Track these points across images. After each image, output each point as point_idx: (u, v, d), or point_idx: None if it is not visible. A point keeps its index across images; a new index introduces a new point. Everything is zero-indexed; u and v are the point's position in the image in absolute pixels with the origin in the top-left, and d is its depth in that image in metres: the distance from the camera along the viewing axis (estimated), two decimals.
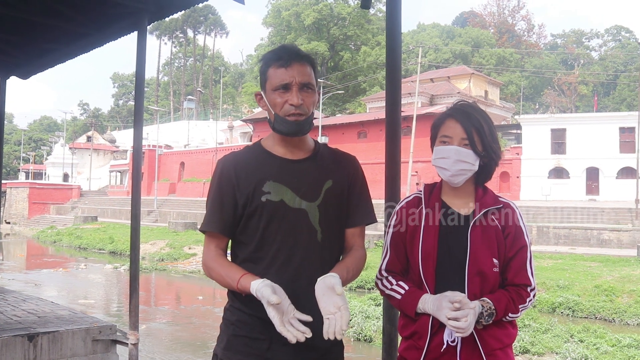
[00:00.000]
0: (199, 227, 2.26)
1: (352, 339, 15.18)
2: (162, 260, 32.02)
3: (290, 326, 1.94)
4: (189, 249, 32.86)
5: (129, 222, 6.25)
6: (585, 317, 17.90)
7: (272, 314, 1.95)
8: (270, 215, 2.15)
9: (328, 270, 2.13)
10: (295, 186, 2.18)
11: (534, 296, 2.23)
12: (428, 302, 2.14)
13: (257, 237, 2.17)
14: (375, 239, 26.99)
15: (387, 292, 2.29)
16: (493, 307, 2.11)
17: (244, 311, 2.17)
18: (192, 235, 35.42)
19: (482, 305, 2.10)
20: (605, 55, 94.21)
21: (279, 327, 1.93)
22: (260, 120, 51.38)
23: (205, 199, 2.31)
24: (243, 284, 2.06)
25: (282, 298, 1.97)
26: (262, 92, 2.23)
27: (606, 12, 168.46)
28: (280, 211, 2.16)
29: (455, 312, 2.03)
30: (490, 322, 2.12)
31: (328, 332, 1.95)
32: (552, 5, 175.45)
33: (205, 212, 2.27)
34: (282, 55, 2.17)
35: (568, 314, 18.29)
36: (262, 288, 1.97)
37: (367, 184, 2.37)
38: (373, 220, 2.33)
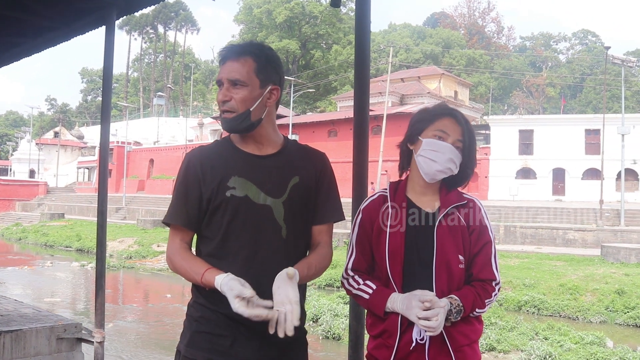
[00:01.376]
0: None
1: (320, 337, 15.20)
2: (130, 258, 31.70)
3: (256, 307, 1.94)
4: (158, 246, 32.57)
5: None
6: (550, 315, 18.17)
7: (236, 305, 1.93)
8: (235, 210, 2.13)
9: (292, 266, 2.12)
10: (261, 182, 2.16)
11: (498, 290, 2.26)
12: (397, 302, 2.14)
13: (220, 233, 2.15)
14: (344, 238, 27.06)
15: (354, 291, 2.28)
16: (461, 304, 2.13)
17: (207, 307, 2.14)
18: (161, 232, 35.10)
19: (451, 303, 2.11)
20: (572, 59, 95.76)
21: (247, 312, 1.92)
22: None
23: None
24: (207, 278, 2.04)
25: (253, 291, 1.96)
26: None
27: (574, 16, 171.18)
28: (244, 207, 2.13)
29: (426, 311, 2.05)
30: (459, 318, 2.14)
31: (277, 327, 1.95)
32: (521, 7, 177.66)
33: (169, 205, 2.24)
34: (222, 53, 2.19)
35: (534, 312, 18.55)
36: (229, 282, 1.96)
37: (335, 182, 2.35)
38: (341, 217, 2.31)
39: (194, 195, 2.16)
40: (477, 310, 2.18)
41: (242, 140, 2.23)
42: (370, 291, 2.23)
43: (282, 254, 2.16)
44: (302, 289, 2.23)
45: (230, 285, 1.95)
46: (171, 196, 2.25)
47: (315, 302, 17.40)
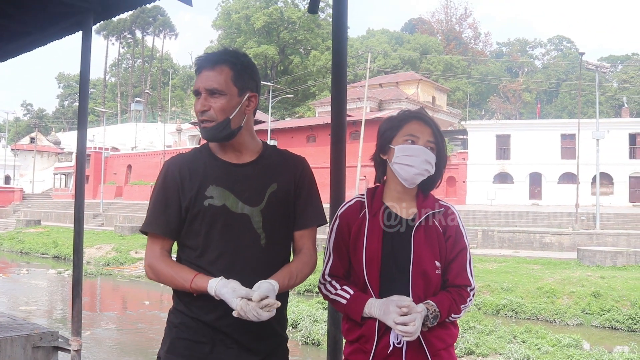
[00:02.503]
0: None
1: (300, 343, 15.18)
2: (108, 264, 31.42)
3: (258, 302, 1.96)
4: (136, 253, 32.31)
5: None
6: (528, 319, 18.32)
7: (240, 304, 1.94)
8: (213, 220, 2.13)
9: (269, 275, 2.12)
10: (238, 191, 2.16)
11: (473, 296, 2.28)
12: (374, 307, 2.15)
13: (199, 242, 2.14)
14: (324, 243, 27.04)
15: (332, 297, 2.29)
16: (437, 310, 2.14)
17: (187, 314, 2.14)
18: (139, 239, 34.83)
19: (427, 308, 2.13)
20: (548, 64, 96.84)
21: (252, 310, 1.94)
22: None
23: None
24: (198, 284, 2.04)
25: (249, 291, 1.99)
26: None
27: (549, 22, 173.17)
28: (222, 216, 2.13)
29: (403, 317, 2.06)
30: (435, 323, 2.15)
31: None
32: (498, 13, 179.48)
33: (147, 212, 2.23)
34: (197, 62, 2.18)
35: (511, 316, 18.68)
36: (227, 284, 1.98)
37: (316, 186, 2.35)
38: (322, 221, 2.32)
39: (174, 203, 2.16)
40: (453, 315, 2.21)
41: (221, 149, 2.22)
42: (348, 296, 2.23)
43: (262, 262, 2.15)
44: (283, 295, 2.23)
45: (232, 287, 1.98)
46: (148, 203, 2.23)
47: (295, 308, 17.37)
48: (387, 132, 2.33)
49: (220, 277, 2.02)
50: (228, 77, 2.14)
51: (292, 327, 16.26)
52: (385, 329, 2.16)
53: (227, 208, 2.14)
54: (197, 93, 2.15)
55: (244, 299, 1.95)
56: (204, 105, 2.13)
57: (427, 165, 2.23)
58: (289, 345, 2.35)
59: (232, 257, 2.13)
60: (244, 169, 2.20)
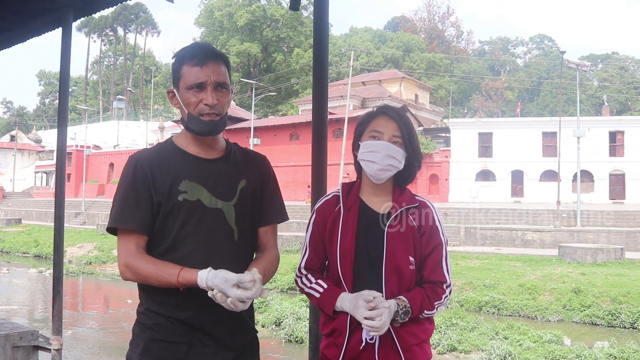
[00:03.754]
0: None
1: (283, 341, 15.15)
2: (90, 263, 31.17)
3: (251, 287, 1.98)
4: None
5: None
6: (510, 315, 18.43)
7: (237, 293, 1.94)
8: (188, 214, 2.11)
9: (244, 269, 2.12)
10: (211, 186, 2.15)
11: (449, 292, 2.28)
12: (345, 301, 2.16)
13: (172, 237, 2.12)
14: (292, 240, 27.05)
15: (307, 290, 2.31)
16: (408, 305, 2.15)
17: (161, 314, 2.11)
18: None
19: (398, 304, 2.13)
20: (530, 63, 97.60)
21: (249, 294, 1.96)
22: None
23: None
24: (186, 277, 2.01)
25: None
26: (174, 90, 2.18)
27: (531, 21, 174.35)
28: (197, 211, 2.12)
29: (370, 311, 2.06)
30: (407, 320, 2.16)
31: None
32: (480, 12, 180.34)
33: (113, 209, 2.16)
34: (196, 54, 2.12)
35: (494, 312, 18.79)
36: (218, 274, 1.96)
37: (278, 184, 2.37)
38: (285, 218, 2.33)
39: (145, 198, 2.12)
40: (426, 311, 2.21)
41: (190, 143, 2.20)
42: (321, 290, 2.25)
43: (235, 256, 2.16)
44: None
45: (224, 276, 1.95)
46: (114, 200, 2.16)
47: (278, 306, 17.35)
48: (357, 129, 2.36)
49: (209, 268, 1.99)
50: (226, 72, 2.17)
51: (276, 325, 16.24)
52: (357, 324, 2.17)
53: (201, 202, 2.13)
54: (201, 86, 2.10)
55: (240, 287, 1.95)
56: (215, 98, 2.11)
57: (391, 160, 2.23)
58: (272, 343, 2.37)
59: (207, 251, 2.11)
60: (215, 164, 2.20)
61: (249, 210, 2.23)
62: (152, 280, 2.07)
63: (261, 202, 2.27)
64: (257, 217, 2.27)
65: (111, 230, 2.16)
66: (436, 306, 2.22)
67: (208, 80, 2.10)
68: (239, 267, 2.11)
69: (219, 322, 2.10)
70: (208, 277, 1.96)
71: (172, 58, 2.20)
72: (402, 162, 2.27)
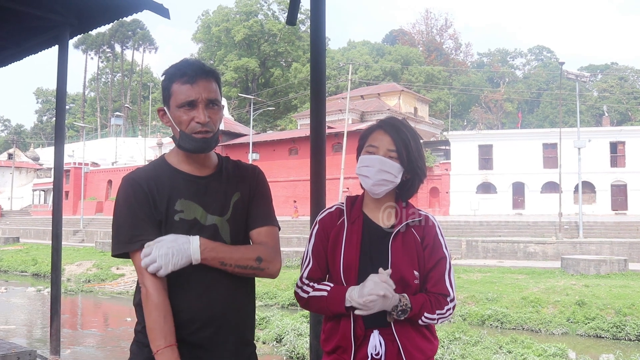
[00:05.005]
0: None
1: (284, 358, 15.08)
2: (89, 281, 31.08)
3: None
4: (117, 269, 32.01)
5: None
6: (513, 329, 18.36)
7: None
8: (185, 234, 2.09)
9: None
10: (206, 203, 2.15)
11: (453, 307, 2.25)
12: (354, 291, 2.12)
13: None
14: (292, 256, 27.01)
15: (312, 293, 2.25)
16: (409, 303, 2.13)
17: None
18: None
19: (400, 299, 2.12)
20: (529, 74, 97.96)
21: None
22: None
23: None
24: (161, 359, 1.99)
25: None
26: (165, 108, 2.17)
27: (529, 32, 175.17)
28: (194, 229, 2.11)
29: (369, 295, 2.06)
30: (402, 318, 2.13)
31: None
32: (478, 24, 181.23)
33: (120, 232, 2.10)
34: (186, 71, 2.11)
35: (497, 326, 18.72)
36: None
37: (269, 193, 2.34)
38: (271, 222, 2.27)
39: (151, 216, 2.10)
40: (425, 314, 2.17)
41: (182, 161, 2.20)
42: (328, 289, 2.22)
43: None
44: (250, 303, 2.25)
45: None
46: (115, 224, 2.11)
47: (279, 322, 17.29)
48: (359, 143, 2.36)
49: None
50: (217, 88, 2.16)
51: (276, 342, 16.17)
52: (363, 339, 2.16)
53: (197, 221, 2.12)
54: (192, 104, 2.09)
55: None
56: (207, 116, 2.10)
57: (384, 174, 2.22)
58: (273, 359, 2.36)
59: (204, 269, 2.09)
60: (208, 180, 2.20)
61: (243, 222, 2.22)
62: (147, 330, 2.05)
63: (250, 208, 2.25)
64: (248, 224, 2.26)
65: (121, 254, 2.11)
66: (438, 315, 2.20)
67: (199, 97, 2.09)
68: (236, 281, 2.12)
69: (218, 339, 2.10)
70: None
71: (162, 76, 2.19)
72: (398, 177, 2.25)
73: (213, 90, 2.13)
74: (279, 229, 2.30)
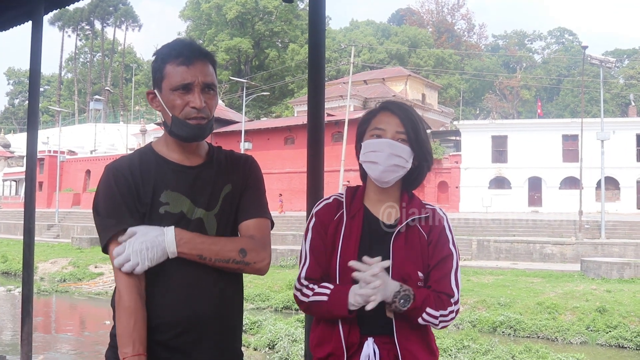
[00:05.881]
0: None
1: None
2: (64, 280, 31.13)
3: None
4: (95, 267, 32.07)
5: None
6: (527, 337, 18.42)
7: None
8: None
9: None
10: (194, 195, 2.15)
11: (457, 310, 2.21)
12: (356, 292, 2.10)
13: None
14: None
15: (312, 298, 2.21)
16: (412, 292, 2.10)
17: None
18: (99, 252, 33.94)
19: (400, 285, 2.10)
20: (548, 59, 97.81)
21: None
22: None
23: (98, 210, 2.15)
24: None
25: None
26: (155, 91, 2.17)
27: (549, 13, 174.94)
28: (180, 224, 2.11)
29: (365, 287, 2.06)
30: (406, 308, 2.10)
31: None
32: (493, 3, 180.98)
33: (102, 224, 2.13)
34: (182, 52, 2.11)
35: (509, 334, 18.77)
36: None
37: (262, 184, 2.34)
38: (262, 214, 2.26)
39: (133, 207, 2.11)
40: (428, 309, 2.13)
41: (172, 150, 2.20)
42: (328, 292, 2.18)
43: (218, 270, 2.14)
44: (238, 308, 2.26)
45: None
46: (97, 215, 2.14)
47: (272, 327, 17.33)
48: (359, 129, 2.33)
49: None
50: (214, 72, 2.17)
51: (269, 348, 16.22)
52: (357, 348, 2.15)
53: (184, 215, 2.13)
54: (187, 87, 2.09)
55: None
56: (203, 100, 2.11)
57: (396, 159, 2.20)
58: None
59: (186, 268, 2.10)
60: (198, 171, 2.20)
61: (232, 216, 2.22)
62: (117, 334, 2.06)
63: (242, 199, 2.25)
64: (237, 217, 2.25)
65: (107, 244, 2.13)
66: (440, 316, 2.16)
67: (195, 81, 2.09)
68: (222, 279, 2.13)
69: (200, 344, 2.10)
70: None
71: (153, 56, 2.18)
72: (409, 161, 2.23)
73: (210, 74, 2.13)
74: (272, 222, 2.29)
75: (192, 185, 2.16)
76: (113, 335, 2.16)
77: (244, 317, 2.22)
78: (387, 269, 2.13)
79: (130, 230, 2.04)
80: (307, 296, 2.23)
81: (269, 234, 2.28)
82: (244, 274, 2.26)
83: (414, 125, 2.25)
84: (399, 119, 2.24)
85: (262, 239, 2.21)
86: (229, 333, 2.20)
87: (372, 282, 2.04)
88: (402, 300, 2.09)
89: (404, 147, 2.21)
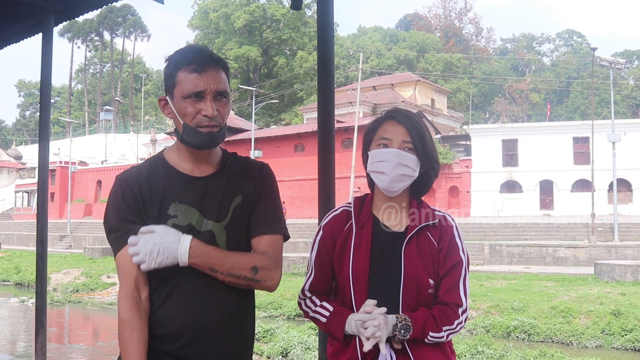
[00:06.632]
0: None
1: None
2: (77, 291, 31.19)
3: None
4: (108, 277, 32.11)
5: None
6: (541, 341, 18.29)
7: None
8: None
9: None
10: (203, 207, 2.13)
11: (464, 319, 2.22)
12: (352, 323, 2.14)
13: (160, 269, 2.09)
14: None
15: (311, 314, 2.29)
16: (409, 321, 2.11)
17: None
18: (111, 262, 34.57)
19: (397, 317, 2.11)
20: (557, 61, 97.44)
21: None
22: None
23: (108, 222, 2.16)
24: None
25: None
26: (167, 98, 2.15)
27: (558, 15, 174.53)
28: None
29: (366, 326, 2.07)
30: (407, 337, 2.11)
31: None
32: (501, 7, 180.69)
33: (110, 239, 2.14)
34: (194, 59, 2.09)
35: (524, 338, 18.65)
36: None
37: (278, 195, 2.31)
38: (277, 230, 2.24)
39: (140, 220, 2.11)
40: (431, 333, 2.15)
41: (183, 158, 2.19)
42: (327, 314, 2.23)
43: (226, 283, 2.12)
44: (249, 316, 2.24)
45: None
46: (108, 227, 2.14)
47: (285, 335, 17.29)
48: (365, 137, 2.35)
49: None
50: (226, 79, 2.16)
51: (282, 356, 16.18)
52: (374, 356, 2.15)
53: (192, 227, 2.11)
54: (199, 95, 2.08)
55: None
56: (215, 108, 2.09)
57: (403, 169, 2.21)
58: None
59: (197, 279, 2.09)
60: (208, 181, 2.18)
61: (244, 229, 2.20)
62: (119, 345, 2.07)
63: (255, 211, 2.22)
64: (250, 230, 2.23)
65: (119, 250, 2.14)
66: (446, 331, 2.17)
67: (208, 88, 2.07)
68: (232, 293, 2.12)
69: (208, 356, 2.10)
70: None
71: (165, 62, 2.16)
72: (416, 170, 2.24)
73: (222, 81, 2.12)
74: (287, 237, 2.27)
75: (201, 196, 2.14)
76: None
77: (256, 325, 2.20)
78: (397, 279, 2.15)
79: (150, 227, 2.03)
80: (310, 309, 2.29)
81: (281, 250, 2.25)
82: None
83: (420, 133, 2.25)
84: (405, 128, 2.24)
85: (274, 257, 2.19)
86: (239, 346, 2.18)
87: (373, 324, 2.06)
88: (402, 331, 2.11)
89: (411, 157, 2.22)
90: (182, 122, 2.11)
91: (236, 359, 2.20)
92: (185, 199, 2.13)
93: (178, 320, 2.06)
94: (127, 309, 2.05)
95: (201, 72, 2.07)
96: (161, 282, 2.10)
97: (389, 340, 2.13)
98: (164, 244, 2.00)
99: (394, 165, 2.20)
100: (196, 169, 2.18)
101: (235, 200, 2.18)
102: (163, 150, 2.26)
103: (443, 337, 2.17)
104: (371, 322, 2.05)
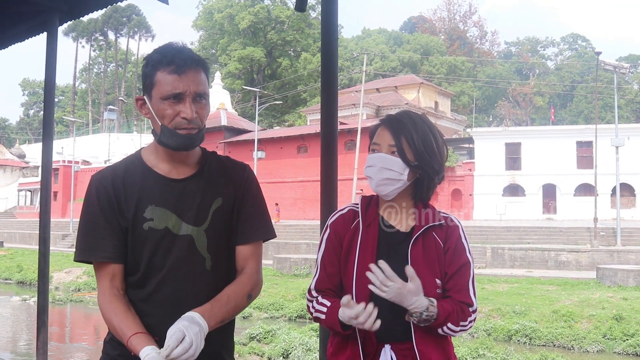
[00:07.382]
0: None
1: None
2: (79, 290, 31.22)
3: None
4: None
5: None
6: (543, 345, 18.28)
7: None
8: (155, 245, 2.07)
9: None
10: (181, 210, 2.09)
11: (474, 319, 2.23)
12: (344, 311, 2.10)
13: (142, 269, 2.09)
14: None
15: (315, 314, 2.27)
16: (435, 315, 2.10)
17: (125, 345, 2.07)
18: None
19: (427, 307, 2.09)
20: (562, 65, 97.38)
21: None
22: None
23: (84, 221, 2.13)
24: (133, 345, 1.94)
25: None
26: (145, 98, 2.10)
27: (562, 19, 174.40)
28: (165, 240, 2.08)
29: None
30: (422, 325, 2.12)
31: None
32: (506, 10, 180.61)
33: (79, 238, 2.12)
34: (174, 59, 2.03)
35: (525, 342, 18.64)
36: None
37: (262, 196, 2.27)
38: (267, 235, 2.23)
39: (114, 224, 2.08)
40: (449, 325, 2.14)
41: (160, 159, 2.15)
42: (325, 310, 2.21)
43: (208, 287, 2.11)
44: (229, 325, 2.20)
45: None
46: (79, 228, 2.12)
47: (286, 336, 17.29)
48: (369, 142, 2.36)
49: (152, 348, 1.90)
50: (206, 80, 2.10)
51: (283, 358, 16.18)
52: (374, 355, 2.15)
53: (169, 231, 2.08)
54: (178, 97, 2.02)
55: None
56: (194, 110, 2.04)
57: (387, 172, 2.22)
58: None
59: (177, 285, 2.08)
60: (186, 184, 2.13)
61: (226, 233, 2.16)
62: (113, 331, 2.05)
63: (239, 216, 2.19)
64: (234, 235, 2.19)
65: (82, 261, 2.14)
66: (460, 328, 2.17)
67: (187, 90, 2.02)
68: (212, 295, 2.08)
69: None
70: (150, 357, 1.87)
71: (144, 60, 2.11)
72: (403, 174, 2.22)
73: (202, 83, 2.07)
74: (273, 236, 2.26)
75: (178, 199, 2.10)
76: (105, 342, 2.16)
77: (258, 326, 2.19)
78: (404, 279, 2.11)
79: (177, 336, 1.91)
80: (314, 309, 2.28)
81: (262, 256, 2.26)
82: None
83: (406, 137, 2.23)
84: (391, 133, 2.25)
85: (258, 268, 2.20)
86: (216, 355, 2.15)
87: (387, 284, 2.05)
88: (423, 321, 2.10)
89: (395, 160, 2.22)
90: (160, 124, 2.06)
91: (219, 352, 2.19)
92: (161, 201, 2.09)
93: (156, 330, 2.01)
94: (107, 301, 2.06)
95: (180, 74, 2.02)
96: (138, 289, 2.09)
97: (400, 315, 2.13)
98: (198, 338, 1.91)
99: (378, 170, 2.23)
100: (174, 170, 2.14)
101: (215, 203, 2.14)
102: (141, 149, 2.22)
103: (456, 331, 2.17)
104: (350, 314, 2.04)
